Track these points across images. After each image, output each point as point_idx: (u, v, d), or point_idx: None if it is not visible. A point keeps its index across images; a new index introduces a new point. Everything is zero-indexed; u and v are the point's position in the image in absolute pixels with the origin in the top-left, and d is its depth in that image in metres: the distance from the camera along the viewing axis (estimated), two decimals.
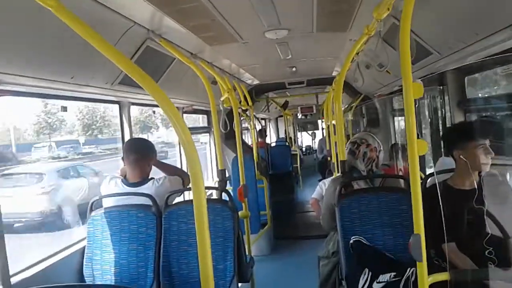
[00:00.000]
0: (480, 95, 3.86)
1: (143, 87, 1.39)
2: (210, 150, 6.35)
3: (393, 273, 2.31)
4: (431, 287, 1.62)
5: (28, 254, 2.97)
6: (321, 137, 12.58)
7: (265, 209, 5.77)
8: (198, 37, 3.24)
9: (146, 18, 2.62)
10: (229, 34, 3.30)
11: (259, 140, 8.07)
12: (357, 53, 3.25)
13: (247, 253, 3.31)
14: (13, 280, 2.22)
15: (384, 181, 2.96)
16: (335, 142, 3.80)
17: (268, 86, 6.91)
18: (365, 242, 2.57)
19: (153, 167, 3.01)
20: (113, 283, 2.65)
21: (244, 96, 5.29)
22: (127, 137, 3.64)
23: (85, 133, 26.59)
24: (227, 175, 5.02)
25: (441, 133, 4.25)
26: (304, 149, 15.60)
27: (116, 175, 2.99)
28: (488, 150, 2.31)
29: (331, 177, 4.12)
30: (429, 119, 4.43)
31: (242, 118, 6.58)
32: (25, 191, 8.90)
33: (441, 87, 3.96)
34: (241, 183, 3.88)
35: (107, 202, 2.84)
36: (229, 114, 4.14)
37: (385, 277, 2.32)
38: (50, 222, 8.82)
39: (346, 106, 8.22)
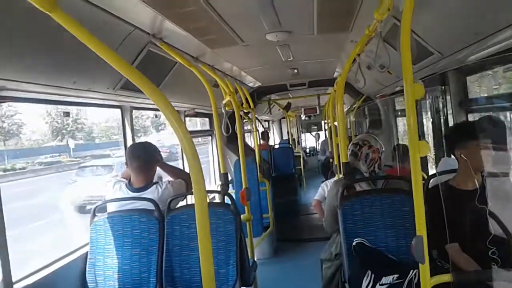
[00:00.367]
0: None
1: (144, 92, 1.40)
2: (212, 154, 6.35)
3: (396, 275, 2.30)
4: None
5: None
6: (324, 138, 12.57)
7: (268, 212, 5.76)
8: (199, 40, 3.24)
9: (147, 22, 2.62)
10: (230, 37, 3.30)
11: (262, 142, 8.07)
12: (358, 54, 3.23)
13: (249, 257, 3.30)
14: (16, 287, 2.22)
15: (387, 183, 2.95)
16: (337, 144, 3.79)
17: (269, 88, 6.91)
18: (367, 244, 2.57)
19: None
20: None
21: (246, 99, 5.29)
22: (129, 142, 3.65)
23: (54, 138, 23.34)
24: (229, 178, 5.01)
25: (443, 133, 4.23)
26: (308, 150, 15.59)
27: (121, 179, 2.99)
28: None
29: (333, 179, 4.12)
30: (431, 120, 4.42)
31: (244, 121, 6.59)
32: (98, 179, 10.92)
33: (443, 87, 3.95)
34: (244, 186, 3.88)
35: (111, 207, 2.85)
36: (231, 117, 4.14)
37: (388, 279, 2.31)
38: None
39: (348, 107, 8.22)
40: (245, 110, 5.61)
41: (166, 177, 3.16)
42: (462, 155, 2.34)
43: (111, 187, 2.93)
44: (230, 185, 5.28)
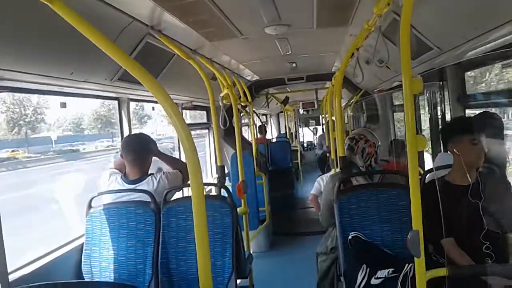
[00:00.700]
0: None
1: (142, 84, 1.39)
2: (210, 147, 6.35)
3: (391, 269, 2.31)
4: (429, 283, 1.62)
5: None
6: (321, 133, 12.59)
7: (264, 205, 5.78)
8: (197, 33, 3.23)
9: (145, 14, 2.61)
10: (229, 29, 3.29)
11: (259, 136, 8.07)
12: (357, 49, 3.23)
13: (245, 250, 3.32)
14: (12, 277, 2.22)
15: (383, 177, 2.97)
16: (334, 138, 3.79)
17: (267, 82, 6.90)
18: (363, 238, 2.58)
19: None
20: (111, 280, 2.66)
21: (244, 92, 5.28)
22: (126, 133, 3.64)
23: (11, 130, 19.40)
24: (226, 171, 5.02)
25: (440, 128, 4.25)
26: (305, 144, 15.61)
27: (116, 171, 2.98)
28: (482, 145, 2.30)
29: (329, 173, 4.13)
30: (429, 115, 4.43)
31: (241, 114, 6.58)
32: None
33: (441, 83, 3.96)
34: (240, 180, 3.89)
35: (106, 199, 2.85)
36: (229, 110, 4.14)
37: (383, 273, 2.32)
38: None
39: (346, 102, 8.22)
40: (242, 104, 5.60)
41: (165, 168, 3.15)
42: (455, 150, 2.35)
43: (107, 179, 2.92)
44: (227, 178, 5.29)
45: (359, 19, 3.09)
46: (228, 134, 6.05)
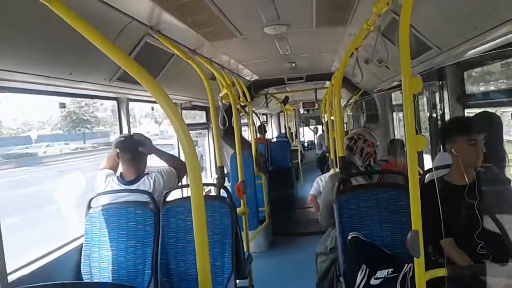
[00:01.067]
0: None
1: (141, 84, 1.39)
2: (209, 147, 6.34)
3: (390, 269, 2.31)
4: (428, 283, 1.62)
5: None
6: (321, 132, 12.58)
7: (264, 206, 5.77)
8: (197, 33, 3.22)
9: (144, 14, 2.60)
10: (228, 29, 3.29)
11: (259, 136, 8.06)
12: (356, 48, 3.23)
13: (245, 250, 3.31)
14: (11, 278, 2.21)
15: (382, 177, 2.97)
16: (334, 138, 3.79)
17: (267, 81, 6.90)
18: (363, 238, 2.58)
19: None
20: (111, 281, 2.65)
21: (243, 92, 5.28)
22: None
23: None
24: (225, 171, 5.02)
25: (440, 128, 4.25)
26: (306, 144, 15.61)
27: (110, 172, 2.97)
28: (480, 145, 2.30)
29: (328, 173, 4.13)
30: (428, 114, 4.43)
31: (241, 114, 6.58)
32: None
33: (441, 82, 3.96)
34: (240, 180, 3.89)
35: (104, 200, 2.84)
36: (228, 110, 4.14)
37: (382, 273, 2.32)
38: None
39: (346, 101, 8.22)
40: (242, 104, 5.60)
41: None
42: (453, 150, 2.35)
43: (103, 181, 2.91)
44: (226, 178, 5.28)
45: (358, 18, 3.08)
46: (227, 134, 6.05)
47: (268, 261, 5.20)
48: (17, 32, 1.89)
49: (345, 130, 7.80)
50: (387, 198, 2.66)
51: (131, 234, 2.72)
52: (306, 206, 7.65)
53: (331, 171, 4.30)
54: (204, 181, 3.39)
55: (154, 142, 3.06)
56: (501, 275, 1.86)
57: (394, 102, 6.34)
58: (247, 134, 9.63)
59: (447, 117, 3.93)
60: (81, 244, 2.76)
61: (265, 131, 9.01)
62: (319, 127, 14.72)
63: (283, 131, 14.91)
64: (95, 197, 2.82)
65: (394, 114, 6.38)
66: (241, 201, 3.88)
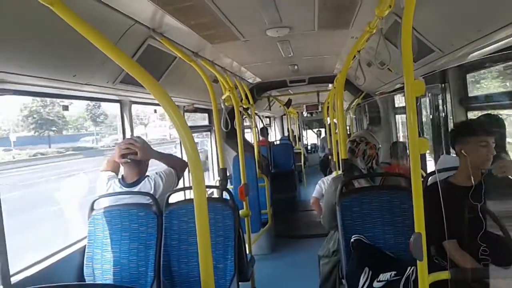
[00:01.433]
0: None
1: (144, 86, 1.39)
2: (211, 149, 6.35)
3: (393, 272, 2.31)
4: (431, 286, 1.61)
5: None
6: (324, 135, 12.57)
7: (266, 208, 5.77)
8: (199, 35, 3.23)
9: (147, 17, 2.61)
10: (230, 32, 3.29)
11: (261, 138, 8.06)
12: (359, 51, 3.24)
13: (247, 252, 3.31)
14: (14, 279, 2.22)
15: (385, 179, 2.96)
16: (336, 141, 3.79)
17: (269, 84, 6.91)
18: (365, 240, 2.57)
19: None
20: (113, 283, 2.65)
21: (246, 95, 5.28)
22: (128, 136, 3.64)
23: None
24: (228, 174, 5.02)
25: (442, 131, 4.24)
26: (309, 147, 15.60)
27: (112, 175, 2.98)
28: (490, 147, 2.30)
29: (331, 176, 4.12)
30: (431, 117, 4.42)
31: (243, 117, 6.58)
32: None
33: (443, 85, 3.95)
34: (242, 182, 3.89)
35: (105, 203, 2.85)
36: (230, 112, 4.14)
37: (385, 276, 2.32)
38: None
39: (348, 104, 8.21)
40: (244, 106, 5.60)
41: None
42: (462, 151, 2.35)
43: (105, 183, 2.93)
44: (229, 180, 5.28)
45: (360, 21, 3.08)
46: (230, 136, 6.05)
47: (270, 264, 5.20)
48: (21, 35, 1.90)
49: (347, 132, 7.80)
50: (390, 201, 2.65)
51: (133, 236, 2.73)
52: (309, 209, 7.63)
53: (334, 174, 4.29)
54: (206, 183, 3.40)
55: (163, 146, 3.06)
56: (504, 277, 1.85)
57: (396, 105, 6.33)
58: (250, 136, 9.63)
59: (450, 120, 3.92)
60: (84, 246, 2.76)
61: (268, 134, 9.00)
62: (322, 130, 14.72)
63: (286, 134, 14.92)
64: (97, 199, 2.83)
65: (397, 116, 6.37)
66: (244, 203, 3.88)
